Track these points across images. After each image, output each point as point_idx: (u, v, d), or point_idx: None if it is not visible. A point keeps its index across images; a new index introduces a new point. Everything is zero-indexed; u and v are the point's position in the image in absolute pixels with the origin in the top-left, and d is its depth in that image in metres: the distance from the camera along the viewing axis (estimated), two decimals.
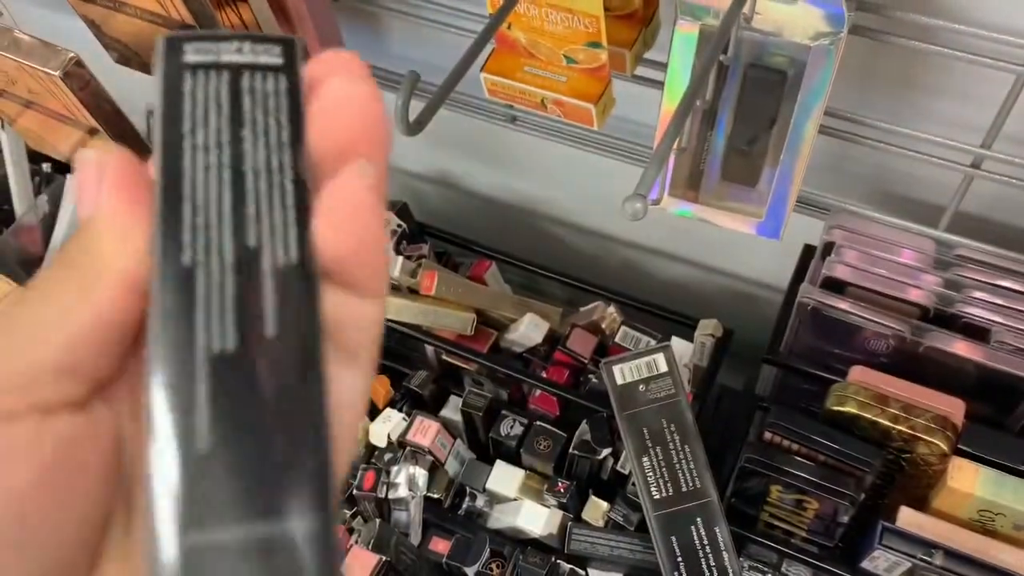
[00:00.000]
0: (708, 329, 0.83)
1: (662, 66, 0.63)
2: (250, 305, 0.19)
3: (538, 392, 0.86)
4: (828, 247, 0.73)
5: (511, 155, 0.95)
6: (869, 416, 0.65)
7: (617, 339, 0.86)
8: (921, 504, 0.68)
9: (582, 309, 0.90)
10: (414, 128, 0.44)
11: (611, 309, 0.87)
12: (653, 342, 0.85)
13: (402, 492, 0.78)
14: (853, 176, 0.76)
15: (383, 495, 0.79)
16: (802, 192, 0.72)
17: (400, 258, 0.86)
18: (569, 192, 0.97)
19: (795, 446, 0.67)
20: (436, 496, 0.82)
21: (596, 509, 0.80)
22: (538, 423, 0.83)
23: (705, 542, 0.69)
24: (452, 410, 0.87)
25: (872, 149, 0.70)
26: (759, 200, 0.66)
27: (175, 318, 0.19)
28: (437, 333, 0.87)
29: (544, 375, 0.85)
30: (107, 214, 0.20)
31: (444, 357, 0.89)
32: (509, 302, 0.89)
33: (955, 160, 0.66)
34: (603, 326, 0.87)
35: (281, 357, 0.19)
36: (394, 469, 0.79)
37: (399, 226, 0.89)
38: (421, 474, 0.79)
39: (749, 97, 0.61)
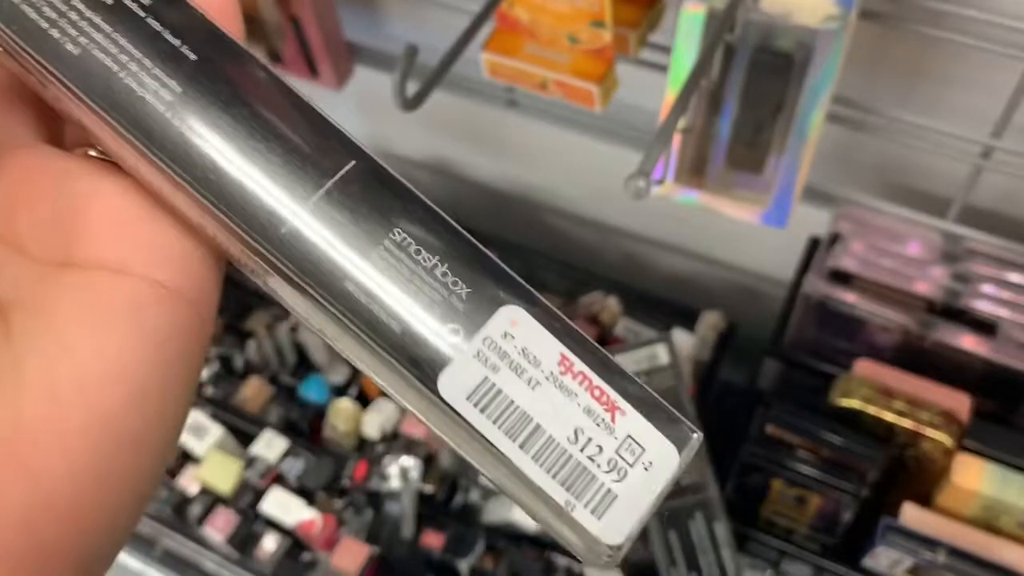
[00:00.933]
0: (711, 322, 0.81)
1: (666, 51, 0.61)
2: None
3: None
4: (834, 238, 0.71)
5: (511, 142, 0.94)
6: (874, 410, 0.64)
7: (617, 331, 0.84)
8: (925, 501, 0.66)
9: (581, 300, 0.88)
10: (412, 103, 0.43)
11: (611, 300, 0.86)
12: (653, 334, 0.83)
13: (394, 484, 0.77)
14: (860, 166, 0.74)
15: (375, 487, 0.77)
16: (808, 182, 0.71)
17: None
18: (570, 181, 0.95)
19: (797, 440, 0.65)
20: (429, 491, 0.80)
21: None
22: None
23: (704, 538, 0.67)
24: None
25: (880, 139, 0.69)
26: (765, 188, 0.65)
27: None
28: None
29: None
30: None
31: None
32: None
33: (964, 151, 0.64)
34: (602, 318, 0.86)
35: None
36: (386, 459, 0.78)
37: None
38: (414, 465, 0.77)
39: (755, 82, 0.60)
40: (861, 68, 0.66)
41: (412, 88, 0.52)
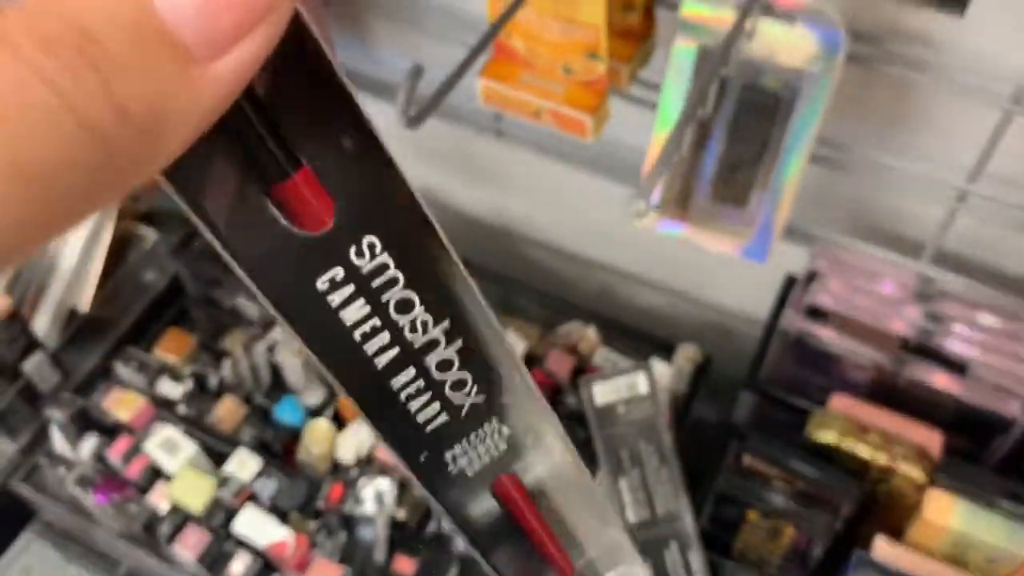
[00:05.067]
0: (687, 354, 0.82)
1: (653, 88, 0.63)
2: None
3: None
4: (811, 276, 0.73)
5: (495, 171, 0.95)
6: (848, 444, 0.65)
7: (595, 361, 0.85)
8: (897, 535, 0.67)
9: (559, 329, 0.89)
10: (415, 121, 0.43)
11: (589, 330, 0.86)
12: (631, 364, 0.84)
13: (368, 508, 0.76)
14: (839, 206, 0.76)
15: (349, 510, 0.76)
16: (788, 219, 0.73)
17: None
18: (553, 212, 0.96)
19: (773, 472, 0.66)
20: (402, 517, 0.80)
21: None
22: None
23: (679, 568, 0.68)
24: None
25: (858, 180, 0.71)
26: (748, 222, 0.66)
27: None
28: None
29: None
30: None
31: None
32: None
33: (939, 196, 0.66)
34: (580, 347, 0.86)
35: None
36: (361, 483, 0.77)
37: None
38: (389, 490, 0.77)
39: (743, 118, 0.62)
40: (844, 110, 0.68)
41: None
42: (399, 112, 0.43)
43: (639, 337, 0.87)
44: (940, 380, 0.68)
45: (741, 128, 0.62)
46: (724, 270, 0.88)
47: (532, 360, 0.85)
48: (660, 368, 0.80)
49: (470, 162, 0.95)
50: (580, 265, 1.00)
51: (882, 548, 0.66)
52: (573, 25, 0.57)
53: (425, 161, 0.98)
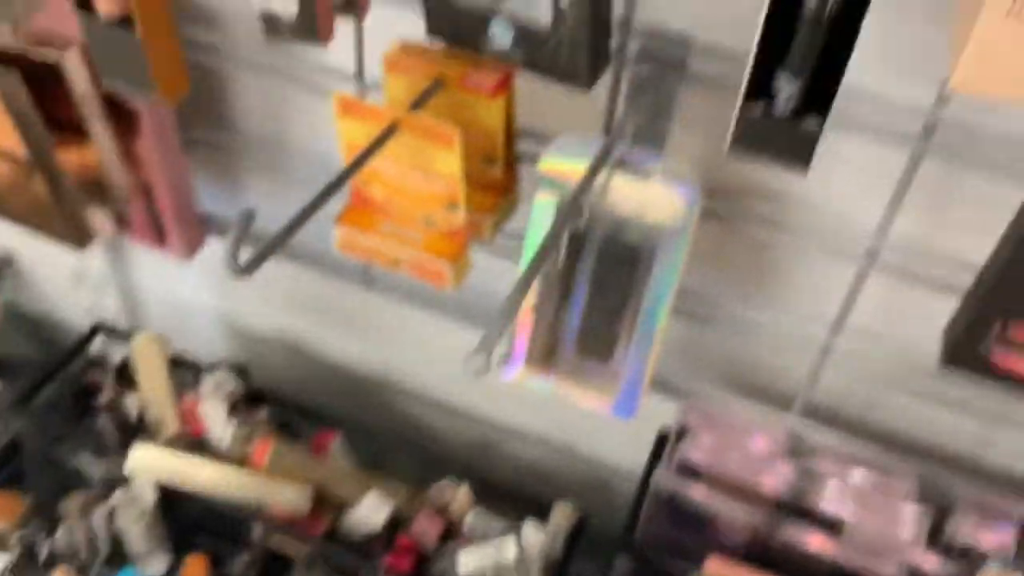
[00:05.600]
0: (561, 515, 0.78)
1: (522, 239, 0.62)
2: None
3: None
4: (682, 431, 0.71)
5: (366, 321, 0.91)
6: None
7: (466, 522, 0.80)
8: None
9: (431, 488, 0.84)
10: (243, 271, 0.40)
11: (461, 491, 0.82)
12: (503, 526, 0.79)
13: None
14: (708, 359, 0.76)
15: None
16: (658, 373, 0.71)
17: (232, 424, 0.79)
18: (425, 364, 0.93)
19: None
20: None
21: None
22: None
23: None
24: None
25: (727, 333, 0.71)
26: (613, 377, 0.64)
27: None
28: (266, 511, 0.79)
29: (385, 562, 0.78)
30: None
31: (270, 542, 0.80)
32: (352, 478, 0.82)
33: (805, 349, 0.66)
34: (451, 508, 0.81)
35: None
36: None
37: (236, 389, 0.82)
38: None
39: (604, 273, 0.61)
40: (705, 264, 0.68)
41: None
42: (226, 259, 0.40)
43: (514, 496, 0.83)
44: (815, 541, 0.65)
45: (603, 283, 0.61)
46: (601, 424, 0.85)
47: (399, 522, 0.80)
48: (531, 533, 0.75)
49: (341, 311, 0.92)
50: (456, 418, 0.96)
51: None
52: (431, 175, 0.56)
53: (295, 310, 0.94)
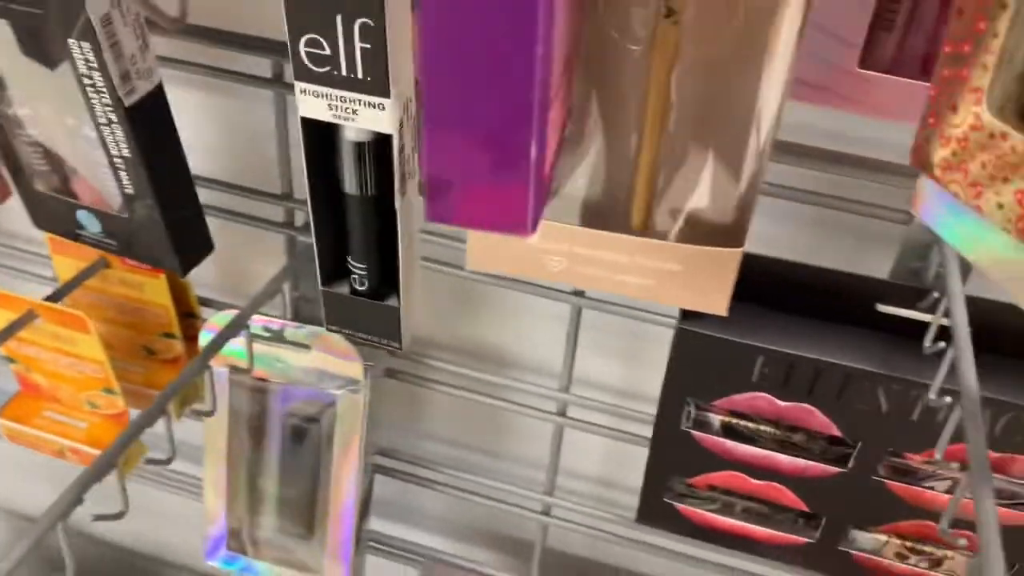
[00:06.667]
0: None
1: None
2: None
3: None
4: None
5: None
6: None
7: None
8: None
9: None
10: None
11: None
12: None
13: None
14: (442, 518, 0.73)
15: None
16: (393, 535, 0.68)
17: None
18: (182, 537, 0.88)
19: None
20: None
21: None
22: None
23: None
24: None
25: (454, 492, 0.69)
26: (318, 551, 0.61)
27: None
28: None
29: None
30: None
31: None
32: None
33: (528, 507, 0.64)
34: None
35: None
36: None
37: None
38: None
39: (289, 448, 0.58)
40: (411, 424, 0.66)
41: None
42: None
43: None
44: None
45: (290, 454, 0.59)
46: None
47: None
48: None
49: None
50: None
51: None
52: (81, 361, 0.53)
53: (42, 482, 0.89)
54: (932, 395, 0.38)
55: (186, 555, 0.90)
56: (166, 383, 0.60)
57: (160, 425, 0.43)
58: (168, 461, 0.44)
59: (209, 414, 0.48)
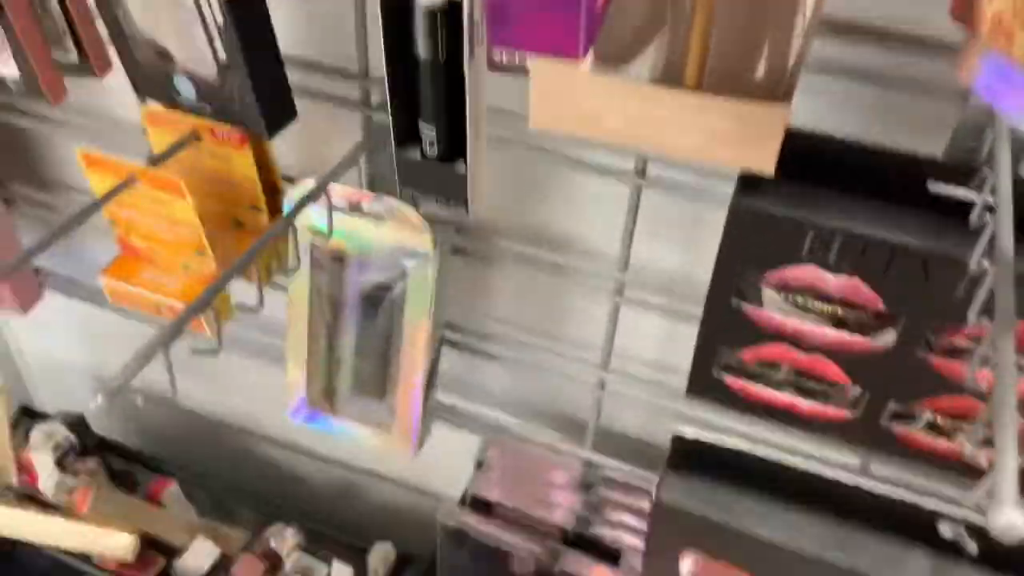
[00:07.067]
0: (381, 555, 0.79)
1: None
2: None
3: None
4: (480, 465, 0.72)
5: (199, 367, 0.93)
6: None
7: (290, 564, 0.81)
8: None
9: (265, 533, 0.85)
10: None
11: (288, 532, 0.83)
12: (325, 567, 0.80)
13: None
14: (506, 395, 0.77)
15: None
16: (458, 407, 0.73)
17: (57, 473, 0.80)
18: (264, 407, 0.95)
19: None
20: None
21: None
22: None
23: None
24: None
25: (513, 369, 0.73)
26: (389, 413, 0.66)
27: None
28: (98, 559, 0.80)
29: None
30: None
31: None
32: (181, 525, 0.83)
33: (584, 379, 0.68)
34: (280, 550, 0.82)
35: None
36: None
37: (66, 439, 0.84)
38: None
39: (364, 313, 0.63)
40: (479, 299, 0.70)
41: None
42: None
43: (340, 539, 0.84)
44: (597, 572, 0.66)
45: (365, 323, 0.63)
46: (421, 461, 0.87)
47: (222, 565, 0.81)
48: (340, 570, 0.76)
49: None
50: (297, 460, 0.97)
51: None
52: (176, 224, 0.58)
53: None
54: (972, 264, 0.40)
55: (269, 426, 0.97)
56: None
57: (251, 296, 0.47)
58: (257, 309, 0.48)
59: (295, 270, 0.52)
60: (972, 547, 0.29)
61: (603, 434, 0.72)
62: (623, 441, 0.76)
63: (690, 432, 0.36)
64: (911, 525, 0.32)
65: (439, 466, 0.83)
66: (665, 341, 0.68)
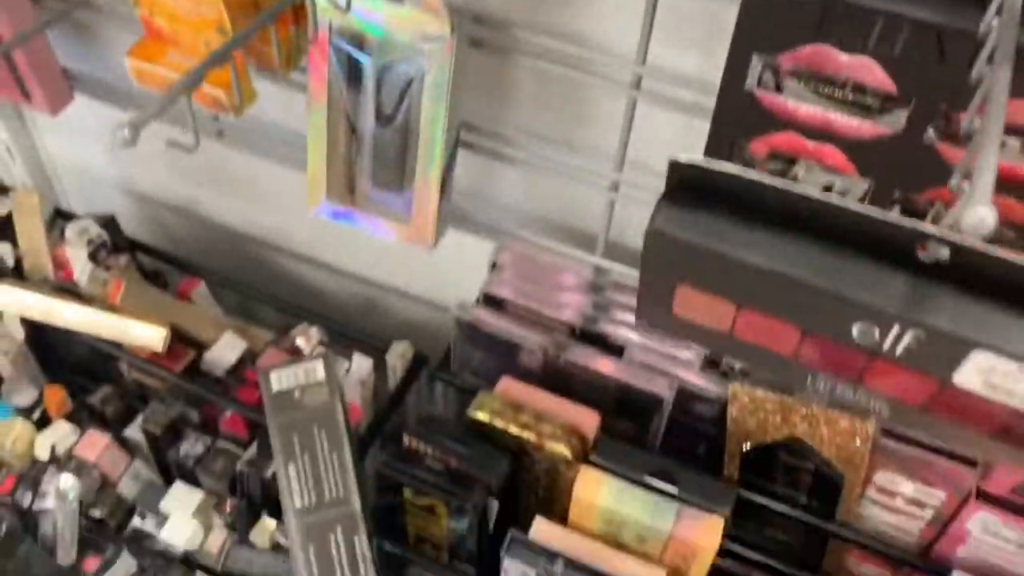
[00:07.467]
0: (399, 351, 0.83)
1: None
2: None
3: (228, 413, 0.84)
4: (494, 268, 0.75)
5: (235, 179, 0.95)
6: (500, 423, 0.66)
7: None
8: (562, 516, 0.68)
9: (291, 333, 0.89)
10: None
11: (313, 330, 0.86)
12: (346, 362, 0.84)
13: (49, 503, 0.74)
14: (519, 202, 0.79)
15: (27, 505, 0.74)
16: (472, 215, 0.75)
17: (90, 266, 0.84)
18: (287, 219, 0.97)
19: (429, 450, 0.67)
20: (100, 516, 0.78)
21: (264, 529, 0.78)
22: (220, 442, 0.81)
23: (342, 551, 0.67)
24: (136, 429, 0.84)
25: (526, 172, 0.74)
26: (406, 207, 0.68)
27: None
28: (130, 349, 0.84)
29: (236, 395, 0.83)
30: None
31: (134, 374, 0.86)
32: (209, 321, 0.87)
33: (597, 182, 0.69)
34: (304, 348, 0.86)
35: None
36: (44, 478, 0.75)
37: (99, 235, 0.87)
38: (71, 484, 0.75)
39: (383, 102, 0.64)
40: (493, 99, 0.71)
41: None
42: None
43: (361, 338, 0.87)
44: (602, 364, 0.69)
45: (383, 112, 0.64)
46: (442, 266, 0.89)
47: (249, 359, 0.85)
48: (360, 361, 0.80)
49: (211, 170, 0.95)
50: (317, 269, 1.01)
51: (539, 528, 0.67)
52: (199, 4, 0.59)
53: (176, 175, 0.98)
54: (983, 25, 0.40)
55: (293, 240, 1.00)
56: (274, 33, 0.65)
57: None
58: (276, 71, 0.49)
59: (313, 41, 0.53)
60: (944, 253, 0.31)
61: (613, 246, 0.73)
62: (634, 253, 0.78)
63: (684, 157, 0.37)
64: (895, 248, 0.33)
65: (455, 281, 0.86)
66: (679, 150, 0.68)
